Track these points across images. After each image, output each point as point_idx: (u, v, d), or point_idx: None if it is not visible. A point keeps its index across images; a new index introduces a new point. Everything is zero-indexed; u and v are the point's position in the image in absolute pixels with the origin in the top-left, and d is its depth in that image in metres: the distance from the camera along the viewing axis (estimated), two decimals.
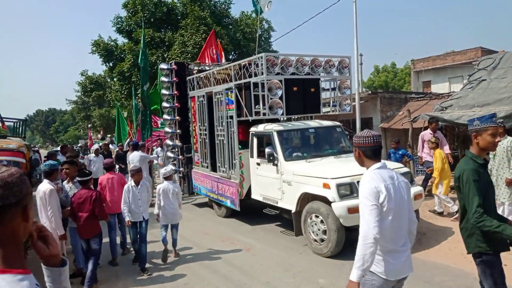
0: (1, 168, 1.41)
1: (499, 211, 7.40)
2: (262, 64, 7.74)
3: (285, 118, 8.76)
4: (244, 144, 8.84)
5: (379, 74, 47.52)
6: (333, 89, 8.63)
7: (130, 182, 6.76)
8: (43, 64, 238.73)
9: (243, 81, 8.32)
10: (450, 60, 25.24)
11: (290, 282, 5.85)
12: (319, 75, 8.39)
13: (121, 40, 28.25)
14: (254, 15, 28.83)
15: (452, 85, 25.10)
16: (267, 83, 7.63)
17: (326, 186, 6.66)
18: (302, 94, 8.44)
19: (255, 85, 7.93)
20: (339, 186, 6.57)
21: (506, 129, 7.44)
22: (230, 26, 27.36)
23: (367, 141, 3.07)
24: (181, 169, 10.81)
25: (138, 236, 6.79)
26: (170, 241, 7.18)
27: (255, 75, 8.01)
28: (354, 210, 6.42)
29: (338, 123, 8.69)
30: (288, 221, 8.28)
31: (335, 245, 6.56)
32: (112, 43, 27.69)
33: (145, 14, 26.32)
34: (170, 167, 8.08)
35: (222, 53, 13.40)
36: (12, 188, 1.35)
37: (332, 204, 6.52)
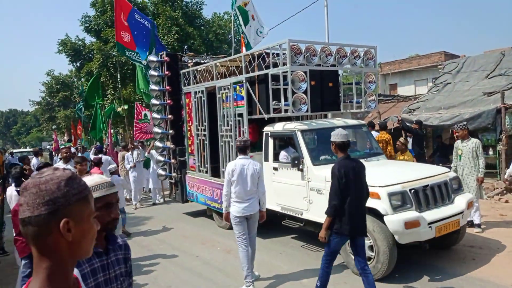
0: (46, 171, 1.12)
1: None
2: (284, 53, 6.18)
3: (292, 114, 7.12)
4: (253, 145, 7.25)
5: (347, 76, 46.81)
6: (357, 83, 7.16)
7: None
8: (1, 63, 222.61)
9: (257, 73, 6.68)
10: (416, 63, 24.61)
11: (273, 282, 5.43)
12: (341, 66, 6.90)
13: (89, 39, 25.77)
14: (226, 16, 27.21)
15: (417, 87, 24.54)
16: (291, 74, 6.06)
17: (374, 195, 5.15)
18: (320, 89, 6.94)
19: (274, 77, 6.34)
20: (391, 195, 5.10)
21: (470, 131, 7.47)
22: (202, 27, 25.49)
23: (241, 144, 5.29)
24: (173, 174, 8.96)
25: None
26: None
27: (275, 66, 6.42)
28: (412, 225, 4.99)
29: (363, 122, 7.25)
30: (307, 233, 6.79)
31: (387, 266, 5.06)
32: (80, 42, 25.19)
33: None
34: (114, 165, 8.62)
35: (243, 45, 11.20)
36: (43, 196, 1.06)
37: (384, 218, 5.04)
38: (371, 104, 7.03)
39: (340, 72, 7.23)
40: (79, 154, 11.18)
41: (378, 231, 5.08)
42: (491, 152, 12.04)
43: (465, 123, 7.54)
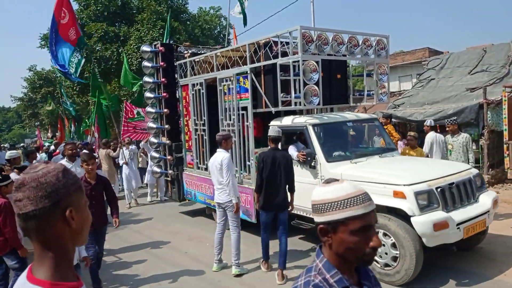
0: (38, 166, 1.13)
1: None
2: (294, 41, 5.57)
3: (304, 107, 6.54)
4: (257, 141, 6.65)
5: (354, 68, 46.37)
6: (368, 75, 6.61)
7: None
8: None
9: (264, 63, 6.04)
10: (400, 59, 24.28)
11: (262, 277, 5.29)
12: (352, 56, 6.33)
13: None
14: (212, 11, 26.40)
15: (402, 83, 24.24)
16: (303, 64, 5.45)
17: (399, 195, 4.62)
18: (328, 81, 6.36)
19: (283, 68, 5.72)
20: (417, 194, 4.56)
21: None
22: (188, 22, 24.62)
23: (217, 138, 5.48)
24: (170, 171, 8.24)
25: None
26: None
27: (283, 55, 5.80)
28: (441, 226, 4.47)
29: (375, 116, 6.71)
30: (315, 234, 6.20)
31: (413, 271, 4.53)
32: None
33: (98, 8, 23.00)
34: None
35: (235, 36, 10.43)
36: (45, 189, 1.07)
37: (412, 219, 4.50)
38: (383, 96, 6.49)
39: (348, 63, 6.66)
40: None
41: (403, 234, 4.54)
42: (474, 147, 11.90)
43: (455, 118, 7.41)
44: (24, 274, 1.11)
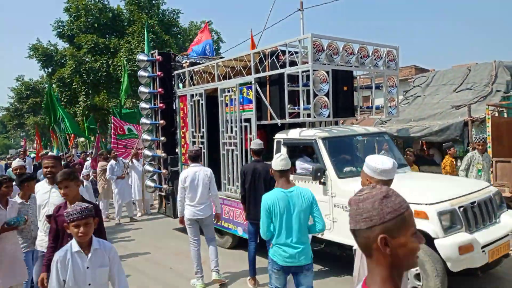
0: (364, 189, 1.20)
1: None
2: (304, 50, 5.17)
3: (314, 120, 6.09)
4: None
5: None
6: (378, 87, 6.25)
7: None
8: None
9: (270, 72, 5.61)
10: None
11: None
12: (362, 67, 5.96)
13: (62, 45, 23.93)
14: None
15: None
16: (313, 74, 5.03)
17: (420, 215, 4.19)
18: (335, 93, 5.94)
19: (289, 78, 5.30)
20: (441, 214, 4.14)
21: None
22: (179, 35, 24.22)
23: (191, 153, 5.37)
24: (164, 186, 7.66)
25: None
26: None
27: (291, 64, 5.37)
28: (466, 249, 4.05)
29: (384, 130, 6.31)
30: (321, 255, 5.74)
31: None
32: (52, 47, 23.30)
33: (89, 19, 22.46)
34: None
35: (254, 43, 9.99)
36: (361, 213, 1.14)
37: (435, 242, 4.07)
38: (392, 110, 6.12)
39: (355, 74, 6.30)
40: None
41: (426, 258, 4.09)
42: (459, 163, 11.70)
43: (484, 137, 7.02)
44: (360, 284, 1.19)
